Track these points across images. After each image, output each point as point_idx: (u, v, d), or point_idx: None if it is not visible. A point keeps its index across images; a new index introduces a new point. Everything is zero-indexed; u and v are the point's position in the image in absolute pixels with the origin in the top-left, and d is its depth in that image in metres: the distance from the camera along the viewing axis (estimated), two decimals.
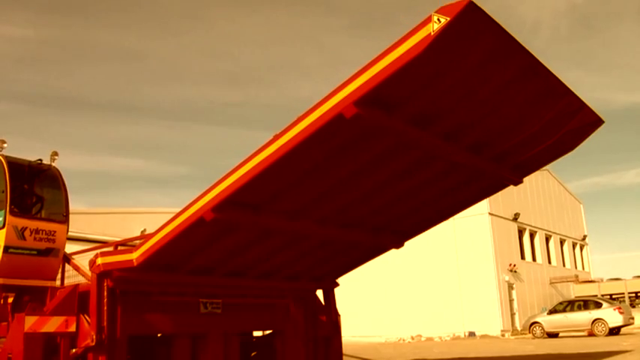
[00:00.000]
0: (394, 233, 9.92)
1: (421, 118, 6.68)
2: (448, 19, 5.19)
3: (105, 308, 7.96)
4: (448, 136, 7.17)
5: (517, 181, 8.94)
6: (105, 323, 7.91)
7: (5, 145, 9.44)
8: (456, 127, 7.12)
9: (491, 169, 8.16)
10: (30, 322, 7.44)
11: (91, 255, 10.97)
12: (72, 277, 10.86)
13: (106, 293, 8.01)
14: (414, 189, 8.45)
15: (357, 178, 7.67)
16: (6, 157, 9.30)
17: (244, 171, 6.83)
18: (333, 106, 6.08)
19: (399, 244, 10.15)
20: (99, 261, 8.01)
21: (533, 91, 6.73)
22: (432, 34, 5.27)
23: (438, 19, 5.25)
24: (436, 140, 7.07)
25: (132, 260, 8.05)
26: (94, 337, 7.76)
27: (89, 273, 8.48)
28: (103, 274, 8.02)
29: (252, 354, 11.05)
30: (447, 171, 8.00)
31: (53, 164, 9.89)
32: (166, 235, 7.67)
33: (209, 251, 8.48)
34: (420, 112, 6.62)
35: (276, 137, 6.55)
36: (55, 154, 9.93)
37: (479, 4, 5.21)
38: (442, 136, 7.11)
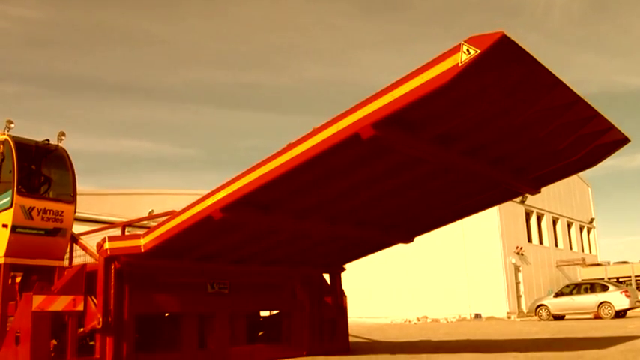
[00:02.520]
0: (405, 231, 9.99)
1: (443, 137, 6.58)
2: (478, 51, 4.96)
3: (112, 291, 8.04)
4: (469, 153, 7.06)
5: (534, 192, 8.91)
6: (112, 306, 7.98)
7: (12, 125, 9.44)
8: (479, 145, 7.02)
9: (509, 181, 8.10)
10: (38, 300, 7.50)
11: (99, 235, 11.03)
12: (80, 257, 10.93)
13: (113, 276, 8.08)
14: (430, 195, 8.52)
15: (370, 185, 7.70)
16: (13, 138, 9.31)
17: (255, 176, 6.84)
18: (350, 124, 5.95)
19: (409, 240, 10.22)
20: (106, 245, 8.06)
21: (562, 115, 6.57)
22: (460, 64, 5.07)
23: (468, 50, 5.02)
24: (456, 157, 6.98)
25: (139, 246, 8.12)
26: (100, 319, 7.83)
27: (97, 253, 8.53)
28: (110, 258, 8.08)
29: (259, 333, 11.13)
30: (464, 181, 8.01)
31: (60, 145, 9.90)
32: (173, 227, 7.77)
33: (216, 242, 8.59)
34: (442, 133, 6.51)
35: (290, 147, 6.51)
36: (63, 134, 9.93)
37: (512, 37, 4.94)
38: (463, 153, 7.00)
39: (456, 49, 5.11)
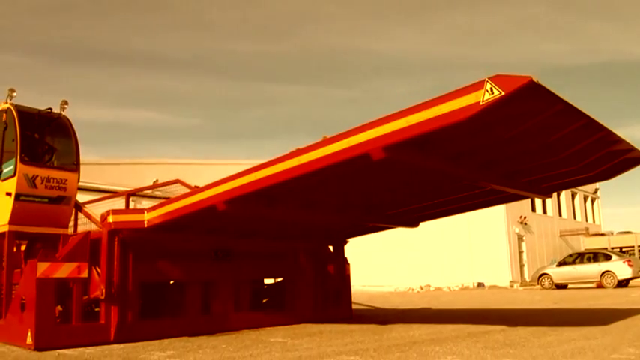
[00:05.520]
0: (412, 218, 10.20)
1: (456, 155, 6.52)
2: (502, 93, 4.75)
3: (115, 263, 8.10)
4: (482, 168, 7.01)
5: (545, 197, 8.96)
6: (115, 277, 8.05)
7: (15, 93, 9.41)
8: (493, 162, 6.97)
9: (521, 190, 8.11)
10: (42, 267, 7.56)
11: (104, 205, 11.04)
12: (84, 226, 11.00)
13: (117, 249, 8.13)
14: (437, 195, 8.64)
15: (378, 186, 7.77)
16: (16, 106, 9.29)
17: (260, 176, 6.84)
18: (361, 143, 5.83)
19: (414, 225, 10.35)
20: (110, 219, 8.09)
21: (583, 141, 6.47)
22: (482, 103, 4.86)
23: (491, 89, 4.80)
24: (467, 172, 6.93)
25: (143, 221, 8.17)
26: (104, 290, 7.90)
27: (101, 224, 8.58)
28: (114, 232, 8.13)
29: (263, 300, 11.24)
30: (473, 187, 8.03)
31: (63, 113, 9.87)
32: (177, 210, 7.84)
33: (220, 222, 8.70)
34: (456, 152, 6.45)
35: (299, 152, 6.46)
36: (65, 102, 9.90)
37: (540, 82, 4.73)
38: (475, 169, 6.95)
39: (479, 85, 4.90)
